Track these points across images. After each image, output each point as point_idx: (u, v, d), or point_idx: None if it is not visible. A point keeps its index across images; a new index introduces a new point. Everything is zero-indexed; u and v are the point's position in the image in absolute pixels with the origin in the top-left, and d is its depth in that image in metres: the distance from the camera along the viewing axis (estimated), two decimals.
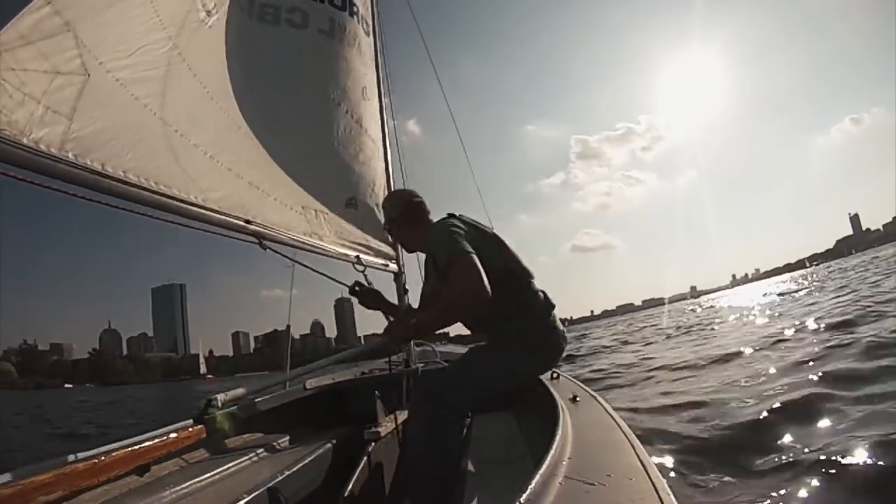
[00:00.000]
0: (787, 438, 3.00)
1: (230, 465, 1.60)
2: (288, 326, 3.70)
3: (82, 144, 1.30)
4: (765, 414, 3.46)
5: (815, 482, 2.36)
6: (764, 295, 30.34)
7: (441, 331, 2.13)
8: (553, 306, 1.99)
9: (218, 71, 2.32)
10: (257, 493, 1.30)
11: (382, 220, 2.57)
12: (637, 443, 1.21)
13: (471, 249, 1.76)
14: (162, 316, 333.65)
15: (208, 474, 1.49)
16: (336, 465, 1.74)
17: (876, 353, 4.65)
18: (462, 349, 3.46)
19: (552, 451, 1.10)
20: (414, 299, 3.06)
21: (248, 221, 2.20)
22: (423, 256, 2.28)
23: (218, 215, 2.02)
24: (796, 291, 22.49)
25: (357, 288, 2.37)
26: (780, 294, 24.17)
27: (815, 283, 25.47)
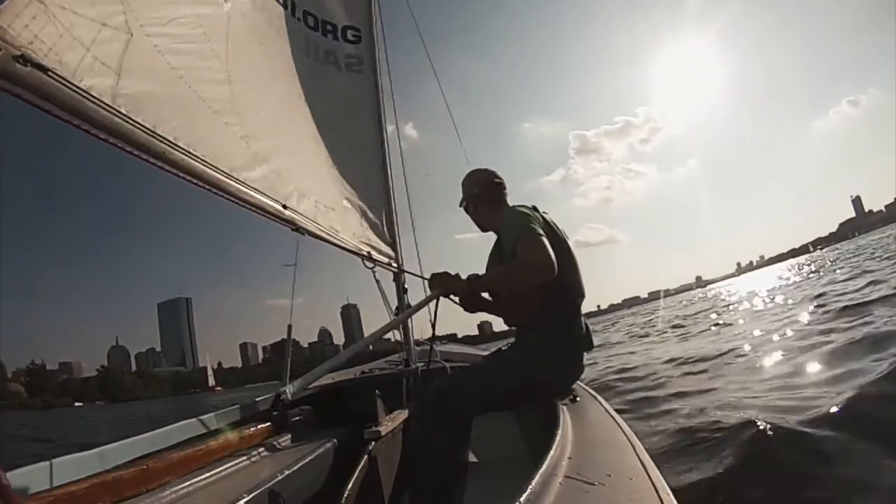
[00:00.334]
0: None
1: (230, 464, 1.56)
2: (289, 326, 3.64)
3: (132, 102, 1.21)
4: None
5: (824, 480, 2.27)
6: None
7: (439, 331, 2.29)
8: (592, 345, 2.01)
9: (238, 57, 2.26)
10: (257, 492, 1.26)
11: (379, 221, 2.78)
12: (637, 443, 1.22)
13: (542, 233, 1.76)
14: (169, 330, 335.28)
15: (208, 474, 1.44)
16: (336, 465, 1.71)
17: None
18: (462, 349, 3.44)
19: (552, 451, 1.10)
20: (414, 299, 3.13)
21: (284, 206, 2.19)
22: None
23: (260, 196, 1.99)
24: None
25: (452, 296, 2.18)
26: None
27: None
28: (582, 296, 1.98)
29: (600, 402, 1.80)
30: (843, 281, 12.05)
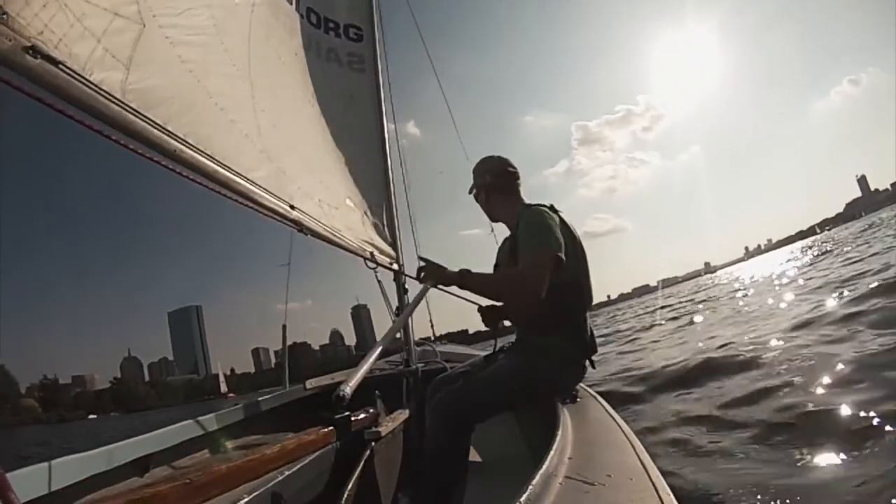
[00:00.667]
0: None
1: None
2: (284, 326, 3.64)
3: (142, 97, 1.16)
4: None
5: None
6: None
7: (450, 328, 2.15)
8: (595, 350, 1.98)
9: (245, 51, 2.22)
10: (257, 493, 1.23)
11: (379, 220, 2.78)
12: (637, 443, 1.22)
13: (560, 251, 1.75)
14: (180, 339, 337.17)
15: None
16: (336, 465, 1.68)
17: None
18: (462, 349, 3.43)
19: (552, 451, 1.10)
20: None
21: (291, 206, 2.14)
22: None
23: (268, 195, 1.95)
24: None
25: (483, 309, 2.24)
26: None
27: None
28: (591, 299, 1.97)
29: (600, 402, 1.81)
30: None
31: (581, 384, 2.05)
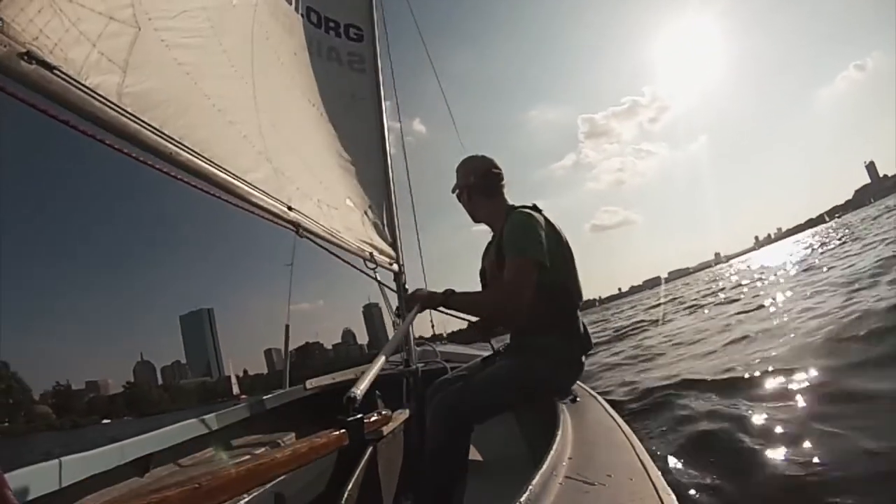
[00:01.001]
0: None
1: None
2: (287, 326, 3.65)
3: (138, 101, 1.18)
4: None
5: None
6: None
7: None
8: (591, 346, 1.99)
9: (244, 52, 2.22)
10: (258, 492, 1.25)
11: (379, 220, 2.78)
12: (637, 443, 1.22)
13: (542, 257, 1.78)
14: (193, 342, 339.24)
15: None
16: (337, 465, 1.67)
17: None
18: (462, 349, 3.43)
19: (552, 451, 1.11)
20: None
21: (289, 208, 2.14)
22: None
23: (265, 197, 1.96)
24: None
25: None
26: None
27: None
28: (580, 298, 1.98)
29: (600, 402, 1.82)
30: None
31: (580, 384, 2.06)
